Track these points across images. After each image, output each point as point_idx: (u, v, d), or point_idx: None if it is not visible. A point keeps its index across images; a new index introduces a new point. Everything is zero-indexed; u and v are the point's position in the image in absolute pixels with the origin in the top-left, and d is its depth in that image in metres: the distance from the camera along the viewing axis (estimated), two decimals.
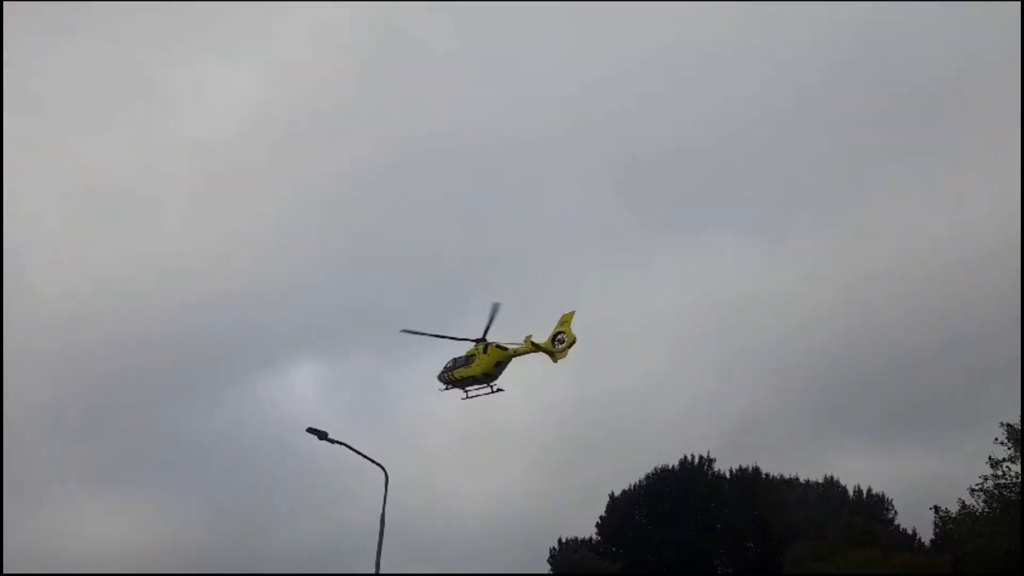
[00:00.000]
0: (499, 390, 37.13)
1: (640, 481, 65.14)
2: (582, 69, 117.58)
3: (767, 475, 65.73)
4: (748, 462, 66.31)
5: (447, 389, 38.10)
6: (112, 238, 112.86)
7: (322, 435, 32.30)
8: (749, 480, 64.83)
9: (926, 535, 59.29)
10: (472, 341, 36.91)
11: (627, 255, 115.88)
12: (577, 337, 34.75)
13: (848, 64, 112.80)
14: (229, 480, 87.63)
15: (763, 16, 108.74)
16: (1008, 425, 42.54)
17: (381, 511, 32.06)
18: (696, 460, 65.33)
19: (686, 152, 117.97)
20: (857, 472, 70.55)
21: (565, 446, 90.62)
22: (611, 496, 65.31)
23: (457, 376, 37.33)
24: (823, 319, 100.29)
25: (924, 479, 68.62)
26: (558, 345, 34.95)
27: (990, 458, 42.27)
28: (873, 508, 64.07)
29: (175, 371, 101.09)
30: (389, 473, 32.17)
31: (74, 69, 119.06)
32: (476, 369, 36.68)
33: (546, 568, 62.55)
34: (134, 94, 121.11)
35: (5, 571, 50.99)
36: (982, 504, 42.06)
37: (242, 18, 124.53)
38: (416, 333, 36.81)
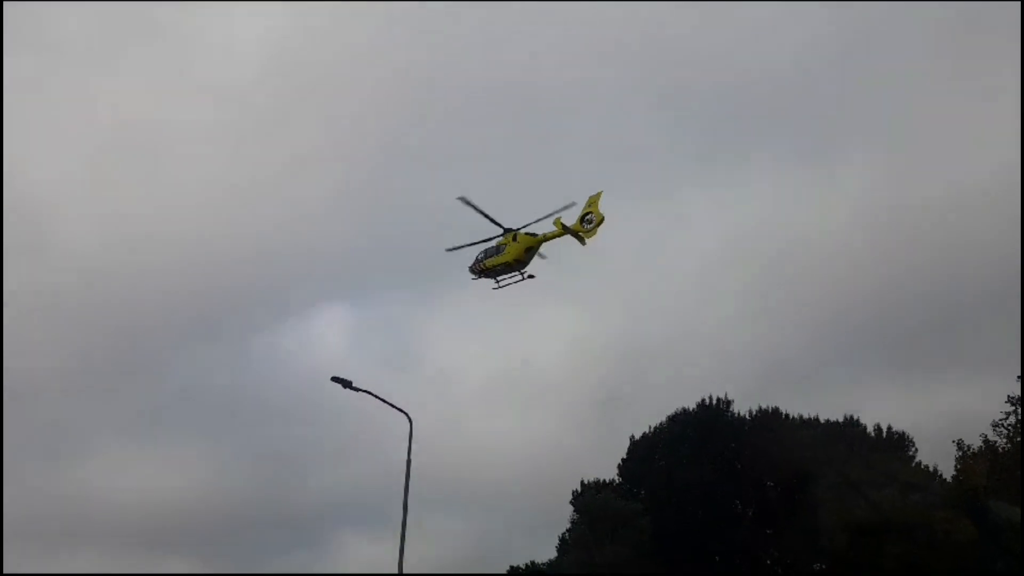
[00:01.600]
0: (530, 276, 37.96)
1: (661, 424, 65.83)
2: None
3: (787, 415, 66.10)
4: (771, 403, 66.72)
5: (477, 279, 39.08)
6: (132, 184, 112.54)
7: (346, 383, 32.80)
8: (769, 421, 65.23)
9: (948, 471, 59.53)
10: (501, 232, 37.85)
11: (657, 185, 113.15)
12: (604, 216, 35.29)
13: None
14: (258, 429, 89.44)
15: None
16: None
17: (407, 457, 32.84)
18: (715, 402, 65.79)
19: (725, 75, 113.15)
20: (888, 409, 70.06)
21: (591, 388, 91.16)
22: (632, 439, 66.16)
23: (488, 265, 38.32)
24: (864, 252, 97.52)
25: (952, 415, 67.94)
26: (586, 225, 35.59)
27: (1009, 397, 42.31)
28: (894, 446, 64.41)
29: (201, 320, 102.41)
30: (416, 419, 32.86)
31: (87, 9, 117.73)
32: (507, 256, 37.56)
33: (570, 509, 63.80)
34: (150, 36, 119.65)
35: (5, 571, 51.24)
36: (1004, 440, 42.24)
37: None
38: (472, 205, 37.06)
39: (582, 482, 64.98)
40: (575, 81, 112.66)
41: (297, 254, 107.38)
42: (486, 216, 37.32)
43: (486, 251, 38.31)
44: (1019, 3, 76.73)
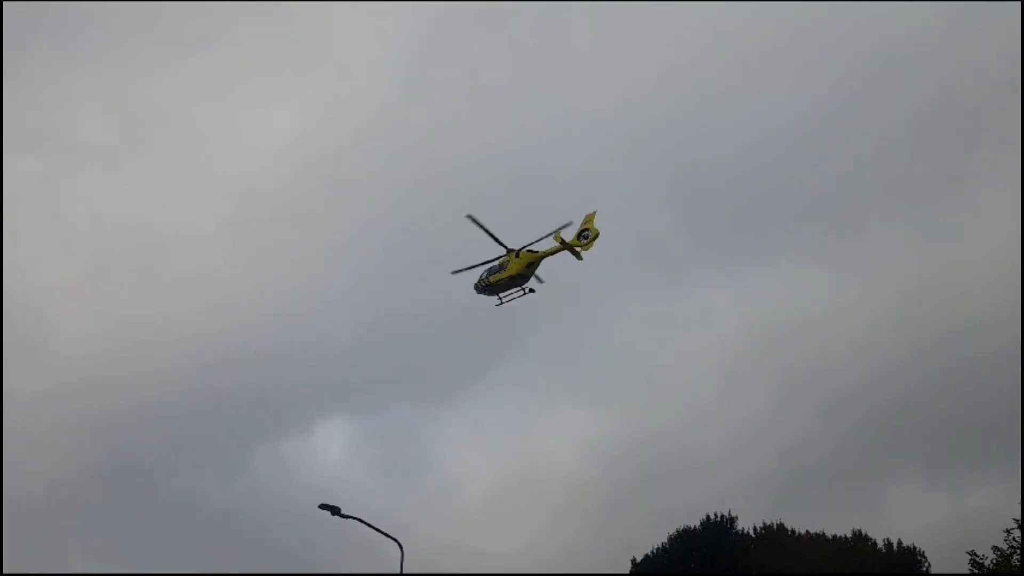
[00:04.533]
0: (531, 291, 40.19)
1: (663, 544, 63.72)
2: (629, 76, 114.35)
3: (793, 531, 64.19)
4: (783, 507, 64.90)
5: (481, 293, 41.25)
6: (131, 289, 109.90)
7: (335, 511, 32.16)
8: (775, 538, 63.27)
9: None
10: (505, 252, 40.18)
11: (673, 277, 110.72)
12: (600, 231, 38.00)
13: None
14: (251, 548, 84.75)
15: (821, 12, 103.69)
16: None
17: None
18: (719, 519, 64.00)
19: (740, 160, 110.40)
20: (905, 513, 66.85)
21: (603, 493, 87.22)
22: (633, 562, 63.78)
23: (492, 281, 40.48)
24: (892, 346, 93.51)
25: (973, 519, 64.45)
26: (583, 240, 38.28)
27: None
28: (905, 561, 62.29)
29: (195, 434, 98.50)
30: (414, 539, 32.46)
31: (98, 105, 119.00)
32: (510, 271, 39.95)
33: None
34: (163, 133, 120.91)
35: (5, 571, 51.08)
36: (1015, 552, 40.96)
37: (277, 56, 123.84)
38: (479, 224, 39.39)
39: None
40: (589, 173, 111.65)
41: (298, 361, 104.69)
42: (493, 237, 39.55)
43: (490, 269, 40.75)
44: (1019, 3, 78.81)
